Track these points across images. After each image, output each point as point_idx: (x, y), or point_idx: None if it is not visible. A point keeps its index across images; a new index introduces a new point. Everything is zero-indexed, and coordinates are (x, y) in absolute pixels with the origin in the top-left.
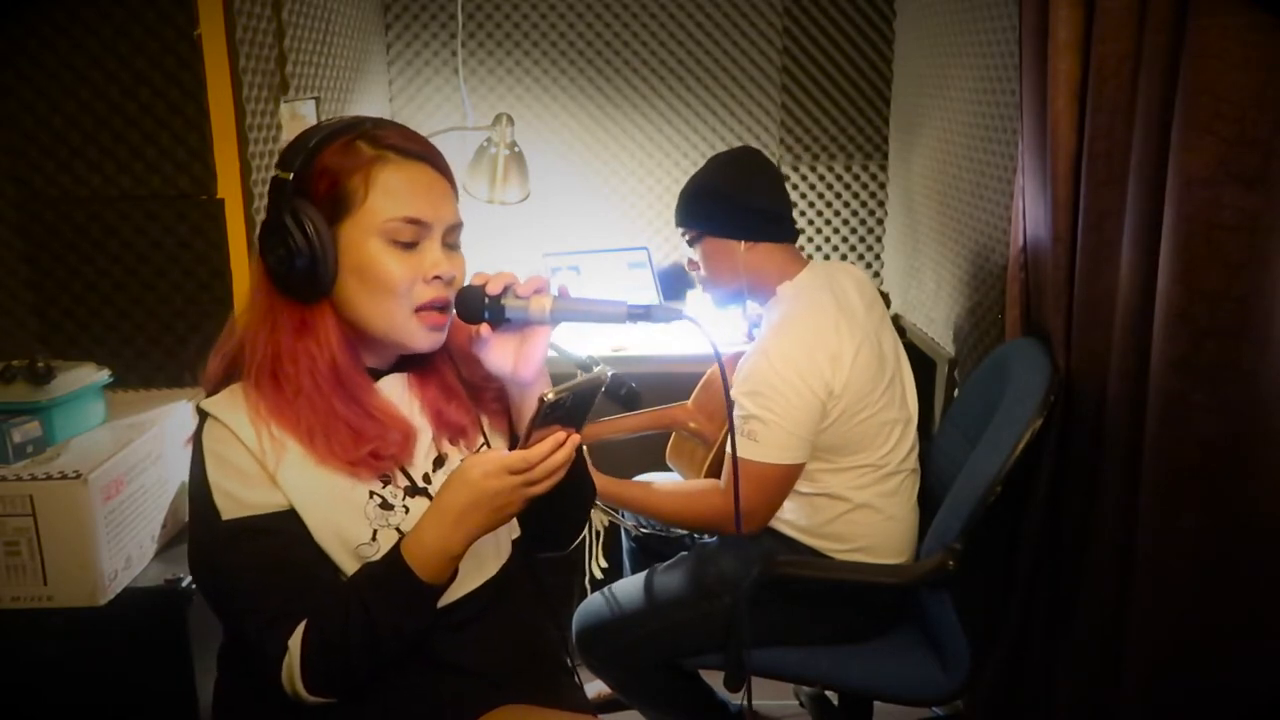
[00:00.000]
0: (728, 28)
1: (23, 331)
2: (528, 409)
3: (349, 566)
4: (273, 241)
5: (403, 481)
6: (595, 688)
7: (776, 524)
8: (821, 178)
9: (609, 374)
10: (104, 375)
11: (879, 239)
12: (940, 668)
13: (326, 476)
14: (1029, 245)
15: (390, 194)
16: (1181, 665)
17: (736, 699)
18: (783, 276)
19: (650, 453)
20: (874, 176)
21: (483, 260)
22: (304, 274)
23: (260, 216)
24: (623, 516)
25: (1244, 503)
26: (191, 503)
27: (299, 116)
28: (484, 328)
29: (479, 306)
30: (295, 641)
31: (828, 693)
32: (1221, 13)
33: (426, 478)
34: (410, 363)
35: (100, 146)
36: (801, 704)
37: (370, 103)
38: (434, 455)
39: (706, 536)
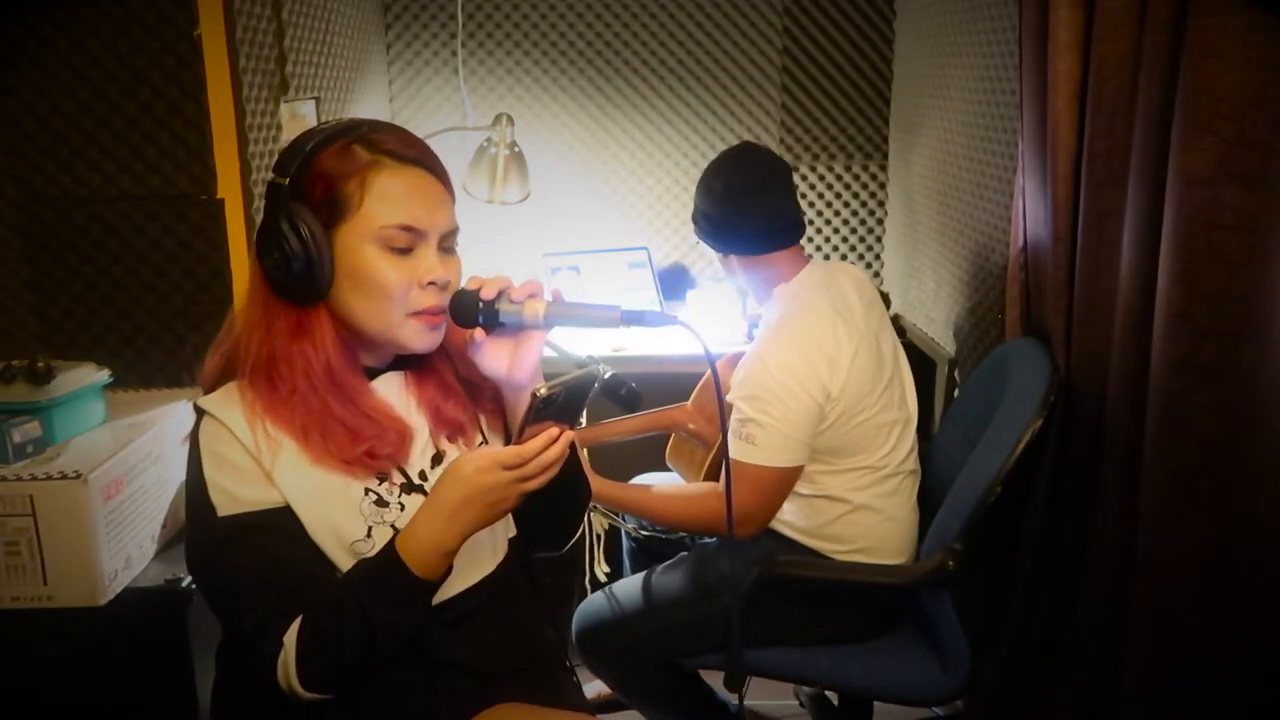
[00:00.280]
0: (728, 28)
1: (23, 331)
2: (522, 411)
3: (344, 563)
4: (269, 245)
5: (399, 479)
6: (595, 688)
7: (776, 525)
8: (821, 178)
9: (601, 369)
10: (104, 375)
11: (879, 239)
12: (940, 668)
13: (322, 474)
14: (1029, 245)
15: (386, 200)
16: (1181, 665)
17: (736, 699)
18: (780, 278)
19: (650, 453)
20: (874, 176)
21: (483, 260)
22: (300, 278)
23: (260, 216)
24: (623, 519)
25: (1244, 503)
26: (188, 500)
27: (299, 116)
28: (478, 332)
29: (473, 311)
30: (291, 638)
31: (828, 693)
32: (1221, 13)
33: (423, 475)
34: (408, 361)
35: (100, 146)
36: (801, 704)
37: (370, 103)
38: (431, 452)
39: (706, 538)
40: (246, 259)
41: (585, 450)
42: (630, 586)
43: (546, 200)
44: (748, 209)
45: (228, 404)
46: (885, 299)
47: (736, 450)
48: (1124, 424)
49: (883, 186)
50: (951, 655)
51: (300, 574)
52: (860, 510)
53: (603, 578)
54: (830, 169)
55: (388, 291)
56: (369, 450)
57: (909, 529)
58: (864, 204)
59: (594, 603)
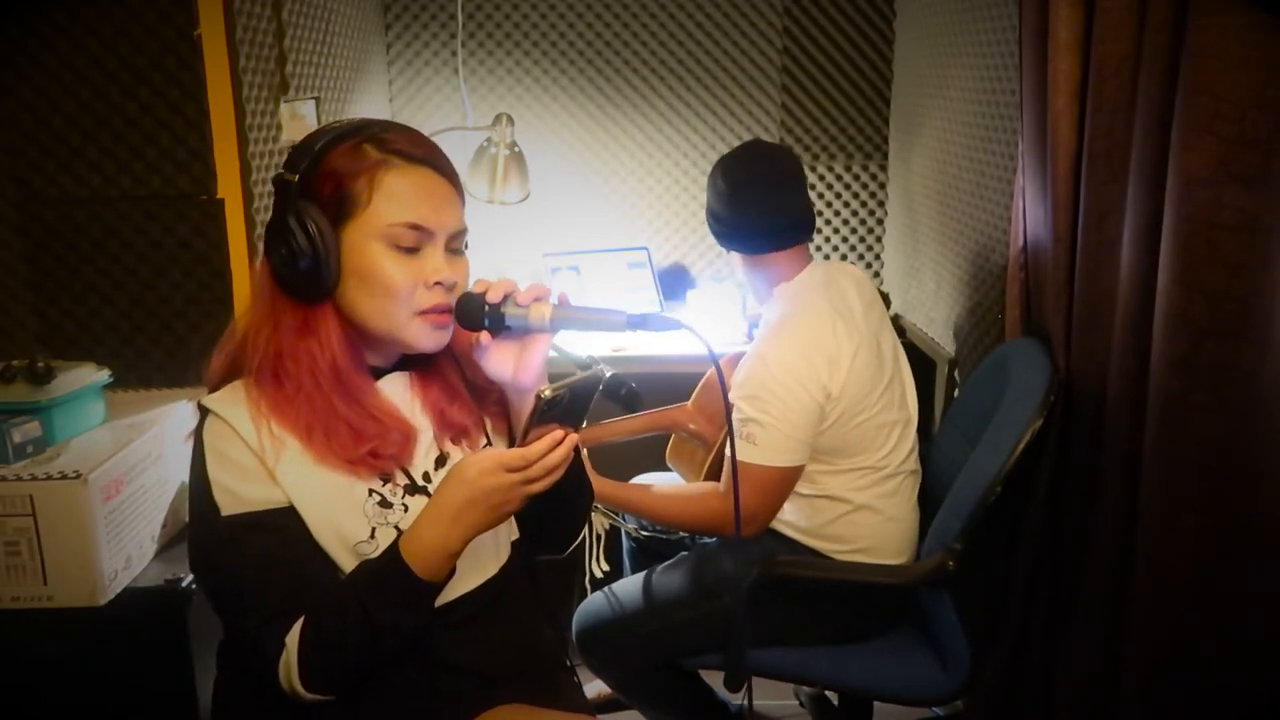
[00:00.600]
0: (728, 28)
1: (23, 331)
2: (527, 414)
3: (347, 564)
4: (276, 242)
5: (402, 480)
6: (595, 688)
7: (777, 525)
8: (821, 178)
9: (606, 372)
10: (104, 375)
11: (879, 239)
12: (940, 668)
13: (325, 474)
14: (1029, 245)
15: (394, 199)
16: (1181, 665)
17: (736, 699)
18: (780, 278)
19: (650, 454)
20: (874, 176)
21: (483, 260)
22: (306, 275)
23: (260, 216)
24: (623, 519)
25: (1244, 503)
26: (191, 499)
27: (299, 116)
28: (484, 335)
29: (479, 314)
30: (293, 639)
31: (828, 693)
32: (1221, 13)
33: (427, 476)
34: (413, 361)
35: (100, 146)
36: (801, 704)
37: (370, 103)
38: (435, 454)
39: (706, 537)
40: (246, 259)
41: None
42: (630, 586)
43: (546, 200)
44: (750, 208)
45: (232, 403)
46: (885, 299)
47: (737, 450)
48: (1124, 424)
49: (883, 186)
50: (951, 655)
51: (303, 574)
52: (861, 510)
53: (602, 577)
54: (830, 169)
55: (393, 290)
56: (373, 450)
57: (909, 529)
58: (864, 204)
59: (594, 603)
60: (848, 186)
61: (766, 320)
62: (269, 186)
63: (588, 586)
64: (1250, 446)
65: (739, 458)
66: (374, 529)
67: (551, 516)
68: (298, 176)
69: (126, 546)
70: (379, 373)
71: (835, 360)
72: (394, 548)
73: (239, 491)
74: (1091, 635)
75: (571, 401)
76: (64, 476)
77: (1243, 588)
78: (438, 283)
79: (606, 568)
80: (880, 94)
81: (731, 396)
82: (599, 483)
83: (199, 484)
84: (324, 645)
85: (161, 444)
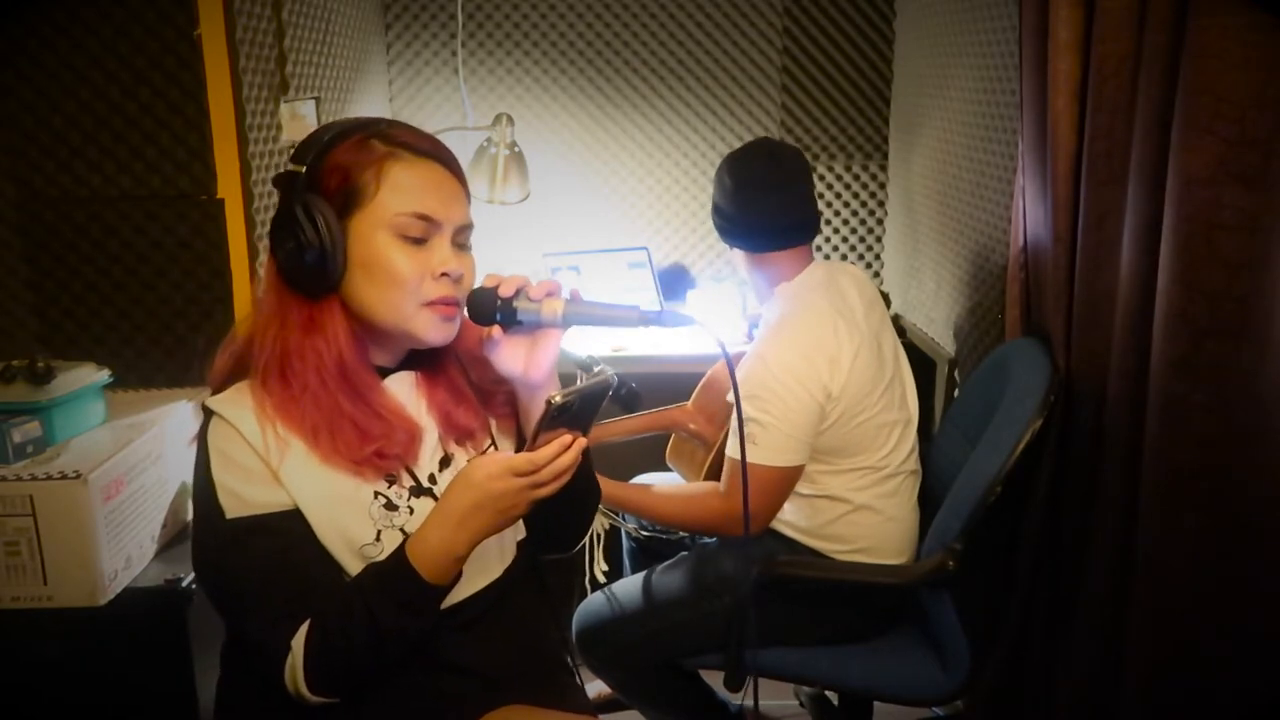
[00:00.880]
0: (728, 28)
1: (23, 331)
2: (536, 411)
3: (353, 567)
4: (283, 235)
5: (408, 482)
6: (595, 688)
7: (777, 525)
8: (821, 178)
9: (615, 379)
10: (104, 375)
11: (879, 239)
12: (940, 668)
13: (331, 476)
14: (1029, 245)
15: (401, 189)
16: (1181, 665)
17: (736, 699)
18: (782, 277)
19: (650, 454)
20: (874, 176)
21: (483, 260)
22: (313, 268)
23: (260, 216)
24: (623, 519)
25: (1244, 503)
26: (195, 501)
27: (299, 116)
28: (495, 329)
29: (491, 308)
30: (298, 641)
31: (828, 693)
32: (1221, 13)
33: (432, 478)
34: (419, 362)
35: (100, 146)
36: (801, 704)
37: (370, 103)
38: (440, 455)
39: (706, 537)
40: (246, 259)
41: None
42: (630, 586)
43: (546, 200)
44: (754, 207)
45: (237, 404)
46: (885, 299)
47: (738, 450)
48: (1124, 424)
49: (883, 186)
50: (951, 655)
51: (308, 577)
52: (861, 510)
53: (601, 577)
54: (830, 169)
55: (400, 280)
56: (378, 450)
57: (909, 529)
58: (864, 204)
59: (594, 603)
60: (848, 186)
61: (767, 320)
62: (269, 186)
63: (588, 586)
64: (1250, 446)
65: (740, 457)
66: (379, 531)
67: (558, 518)
68: (305, 169)
69: (126, 546)
70: (385, 372)
71: (836, 360)
72: (400, 551)
73: (243, 494)
74: (1091, 635)
75: (580, 407)
76: (64, 476)
77: (1243, 588)
78: (445, 274)
79: (607, 568)
80: (880, 94)
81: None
82: (601, 482)
83: (203, 486)
84: (329, 648)
85: (161, 444)
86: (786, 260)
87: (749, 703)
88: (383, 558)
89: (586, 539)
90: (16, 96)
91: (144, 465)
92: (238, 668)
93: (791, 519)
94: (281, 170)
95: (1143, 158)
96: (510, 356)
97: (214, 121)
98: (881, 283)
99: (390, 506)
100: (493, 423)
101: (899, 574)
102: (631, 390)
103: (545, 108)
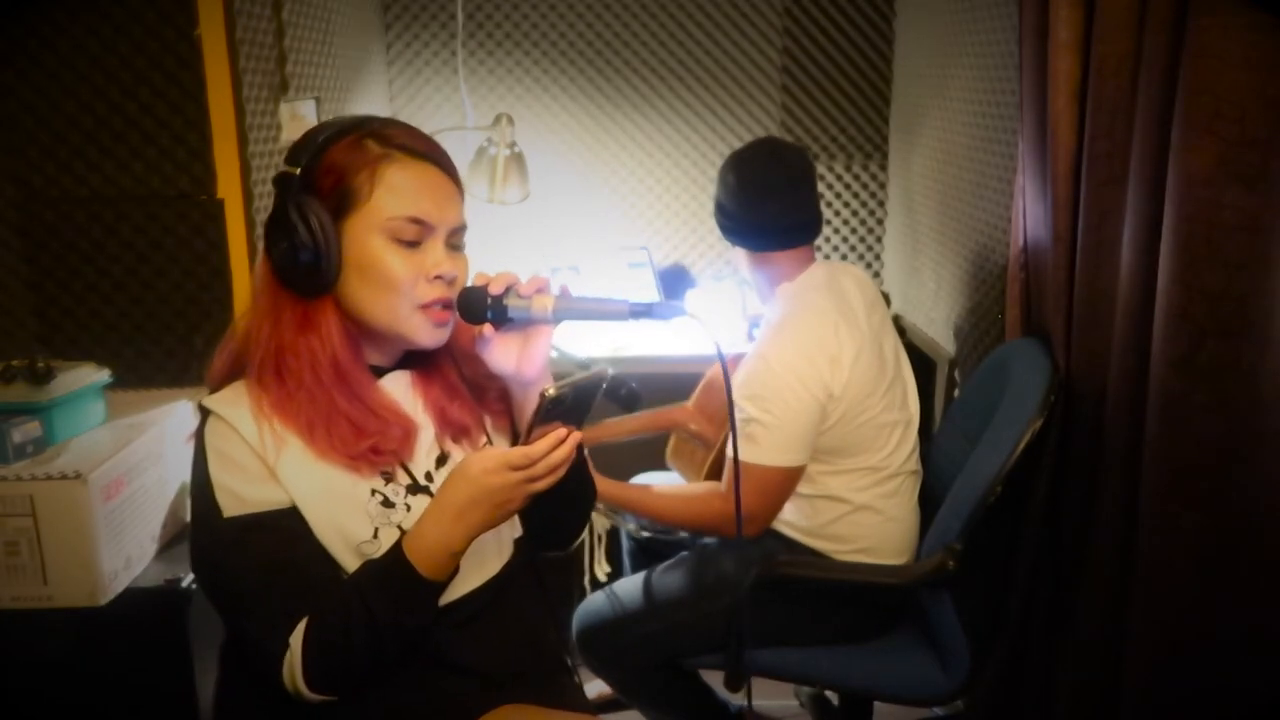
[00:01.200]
0: (728, 28)
1: (23, 331)
2: (530, 408)
3: (351, 564)
4: (277, 235)
5: (404, 479)
6: (595, 688)
7: (777, 525)
8: (821, 178)
9: (610, 372)
10: (104, 375)
11: (879, 239)
12: (940, 668)
13: (327, 473)
14: (1029, 245)
15: (395, 192)
16: (1181, 665)
17: (736, 699)
18: (784, 277)
19: (650, 454)
20: (874, 176)
21: (483, 260)
22: (307, 269)
23: (260, 216)
24: (624, 520)
25: (1244, 503)
26: (193, 500)
27: (299, 116)
28: (487, 327)
29: (482, 306)
30: (297, 639)
31: (827, 693)
32: (1221, 12)
33: (429, 476)
34: (414, 361)
35: (100, 146)
36: (801, 704)
37: (370, 103)
38: (436, 453)
39: (707, 537)
40: (246, 259)
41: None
42: (630, 586)
43: (546, 200)
44: (757, 207)
45: (234, 403)
46: (885, 299)
47: (739, 450)
48: (1124, 424)
49: (883, 186)
50: (951, 655)
51: (306, 575)
52: (861, 510)
53: (603, 578)
54: (830, 169)
55: (394, 283)
56: (373, 446)
57: (910, 529)
58: (864, 204)
59: (594, 603)
60: (848, 186)
61: (768, 319)
62: (269, 186)
63: (588, 586)
64: (1250, 446)
65: (741, 457)
66: (377, 529)
67: (555, 514)
68: (299, 170)
69: (126, 546)
70: (380, 372)
71: (837, 360)
72: (397, 547)
73: (241, 492)
74: (1091, 635)
75: (575, 401)
76: (64, 476)
77: (1243, 588)
78: (438, 276)
79: (608, 568)
80: (880, 94)
81: (733, 396)
82: (602, 482)
83: (201, 485)
84: (328, 645)
85: (162, 444)
86: (789, 260)
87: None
88: (380, 555)
89: (586, 539)
90: (16, 96)
91: (144, 465)
92: (237, 668)
93: (792, 519)
94: (280, 168)
95: (1143, 158)
96: (503, 354)
97: (214, 121)
98: (881, 283)
99: (387, 504)
100: (488, 420)
101: (899, 574)
102: (631, 390)
103: (545, 108)
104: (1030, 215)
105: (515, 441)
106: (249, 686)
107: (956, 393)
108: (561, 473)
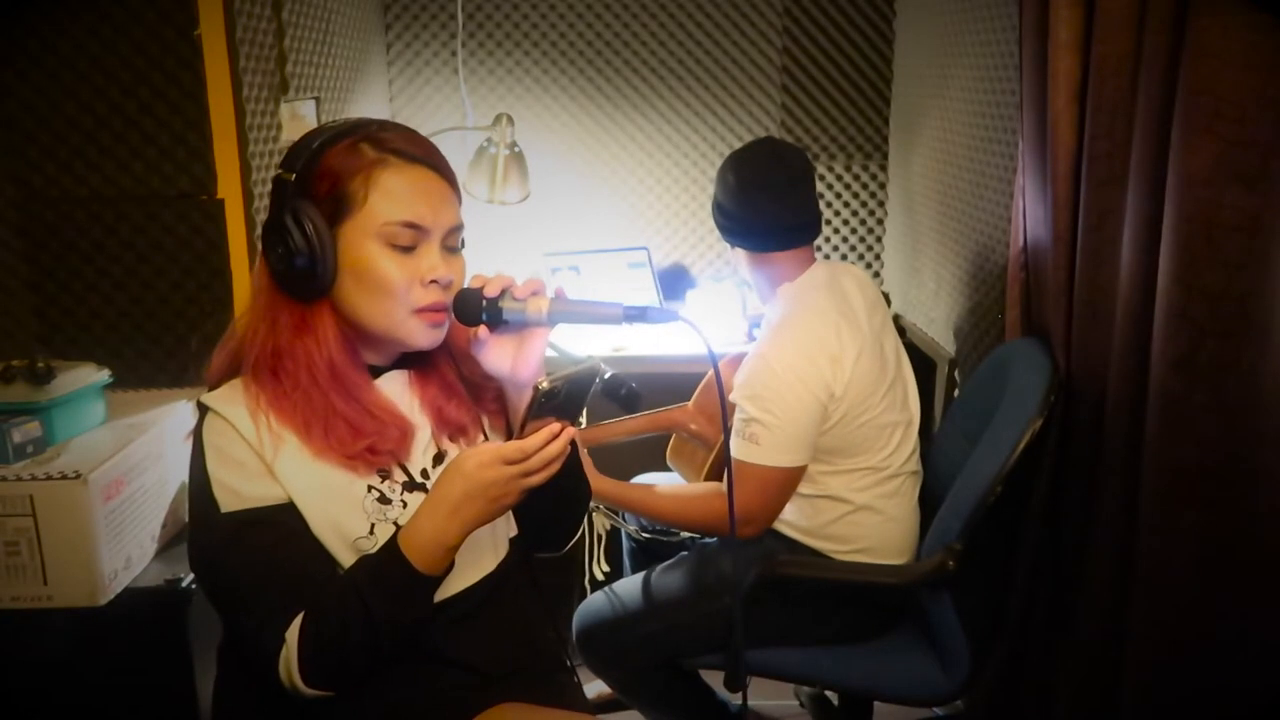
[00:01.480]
0: (728, 28)
1: (23, 331)
2: (524, 408)
3: (347, 560)
4: (273, 240)
5: (401, 477)
6: (595, 688)
7: (777, 525)
8: (821, 178)
9: (603, 366)
10: (104, 375)
11: (879, 239)
12: (940, 668)
13: (324, 469)
14: (1029, 245)
15: (390, 197)
16: (1181, 665)
17: (736, 699)
18: (784, 277)
19: (650, 454)
20: (874, 176)
21: (483, 260)
22: (303, 273)
23: (260, 216)
24: (624, 520)
25: (1244, 503)
26: (191, 496)
27: (299, 116)
28: (482, 329)
29: (477, 309)
30: (293, 634)
31: (828, 693)
32: (1221, 12)
33: (425, 473)
34: (411, 360)
35: (100, 146)
36: (801, 704)
37: (370, 103)
38: (433, 452)
39: (709, 538)
40: (246, 259)
41: (586, 450)
42: (630, 586)
43: (546, 200)
44: (757, 207)
45: (231, 400)
46: (885, 299)
47: (740, 450)
48: (1124, 424)
49: (883, 186)
50: (951, 655)
51: (303, 570)
52: (862, 510)
53: (602, 577)
54: (830, 169)
55: (389, 289)
56: (370, 446)
57: (910, 529)
58: (864, 204)
59: (594, 602)
60: (848, 186)
61: (769, 320)
62: (269, 186)
63: (587, 586)
64: (1250, 446)
65: (742, 458)
66: (373, 525)
67: (549, 513)
68: (294, 175)
69: (126, 546)
70: (377, 371)
71: (838, 360)
72: (392, 541)
73: (239, 488)
74: (1091, 635)
75: (568, 394)
76: (64, 476)
77: (1243, 588)
78: (434, 280)
79: (607, 568)
80: (880, 94)
81: (734, 396)
82: (603, 482)
83: (199, 481)
84: (324, 640)
85: (162, 444)
86: (789, 260)
87: (749, 703)
88: (376, 550)
89: (586, 538)
90: (16, 96)
91: (144, 465)
92: (235, 667)
93: (792, 519)
94: (276, 171)
95: (1143, 158)
96: (498, 356)
97: (214, 121)
98: (882, 283)
99: (383, 500)
100: (485, 419)
101: (899, 574)
102: (631, 390)
103: (545, 108)
104: (1030, 215)
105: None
106: (247, 686)
107: (956, 393)
108: (556, 467)
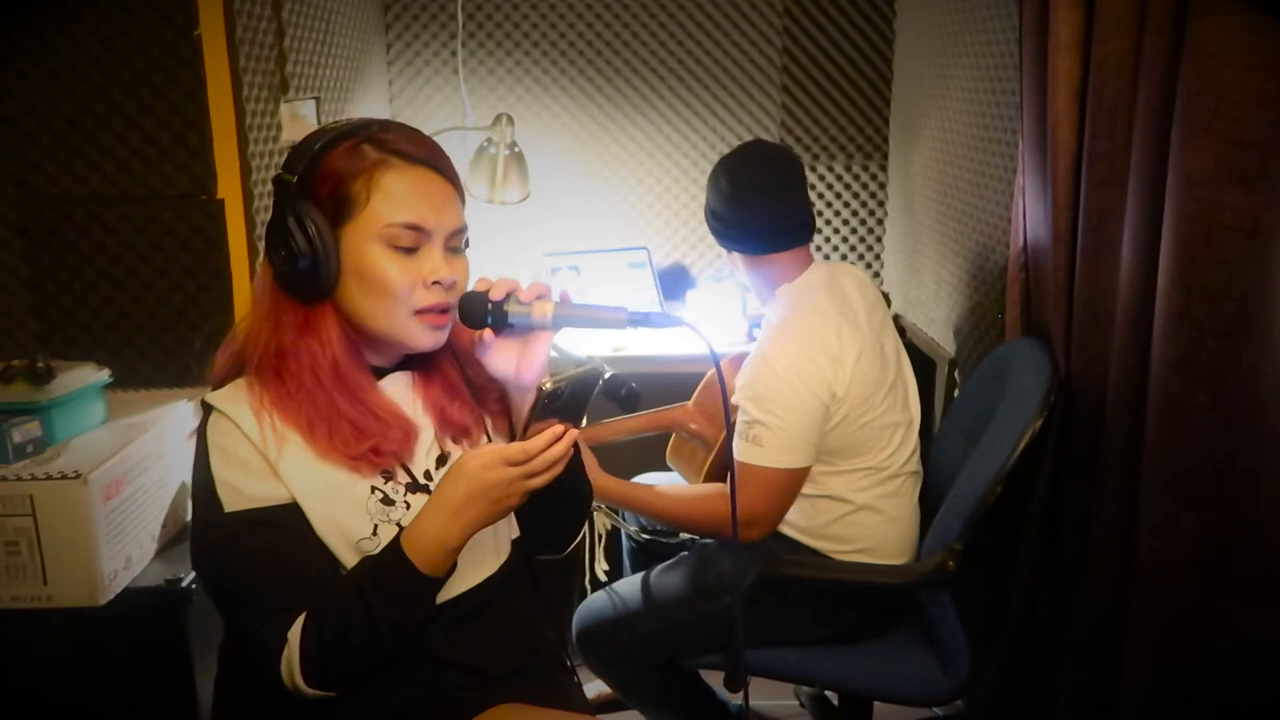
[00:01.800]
0: (728, 28)
1: (23, 331)
2: (527, 410)
3: (350, 561)
4: (276, 242)
5: (404, 478)
6: (595, 688)
7: (778, 525)
8: (821, 178)
9: (605, 368)
10: (104, 375)
11: (879, 239)
12: (940, 668)
13: (328, 470)
14: (1029, 245)
15: (392, 199)
16: (1181, 665)
17: (736, 699)
18: (783, 278)
19: (650, 453)
20: (874, 176)
21: (483, 260)
22: (306, 275)
23: (260, 216)
24: (624, 520)
25: (1244, 503)
26: (194, 496)
27: (299, 116)
28: (487, 332)
29: (482, 312)
30: (295, 634)
31: (827, 693)
32: (1221, 12)
33: (428, 475)
34: (414, 361)
35: (100, 146)
36: (801, 704)
37: (370, 103)
38: (436, 453)
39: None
40: (246, 259)
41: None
42: (631, 586)
43: (546, 200)
44: (752, 210)
45: (235, 399)
46: (885, 299)
47: (743, 452)
48: (1124, 424)
49: (883, 186)
50: (951, 655)
51: (305, 571)
52: (862, 511)
53: (603, 577)
54: (830, 169)
55: (392, 290)
56: (374, 447)
57: (910, 530)
58: (864, 204)
59: (594, 602)
60: (848, 186)
61: (769, 321)
62: (269, 186)
63: (588, 586)
64: (1250, 446)
65: (746, 459)
66: (376, 526)
67: (551, 514)
68: (296, 177)
69: (126, 546)
70: (381, 372)
71: (839, 360)
72: (395, 542)
73: (242, 488)
74: (1091, 635)
75: (572, 396)
76: (64, 476)
77: (1243, 588)
78: (436, 282)
79: (607, 568)
80: (880, 94)
81: (736, 398)
82: (608, 480)
83: (202, 480)
84: (326, 640)
85: (161, 444)
86: (787, 261)
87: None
88: (378, 551)
89: (586, 538)
90: (16, 96)
91: (144, 465)
92: (237, 667)
93: (793, 519)
94: (278, 173)
95: (1143, 158)
96: (502, 359)
97: (214, 121)
98: (881, 283)
99: (387, 501)
100: (488, 421)
101: (899, 574)
102: (631, 390)
103: (545, 108)
104: (1030, 215)
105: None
106: (248, 687)
107: (956, 393)
108: (559, 469)
